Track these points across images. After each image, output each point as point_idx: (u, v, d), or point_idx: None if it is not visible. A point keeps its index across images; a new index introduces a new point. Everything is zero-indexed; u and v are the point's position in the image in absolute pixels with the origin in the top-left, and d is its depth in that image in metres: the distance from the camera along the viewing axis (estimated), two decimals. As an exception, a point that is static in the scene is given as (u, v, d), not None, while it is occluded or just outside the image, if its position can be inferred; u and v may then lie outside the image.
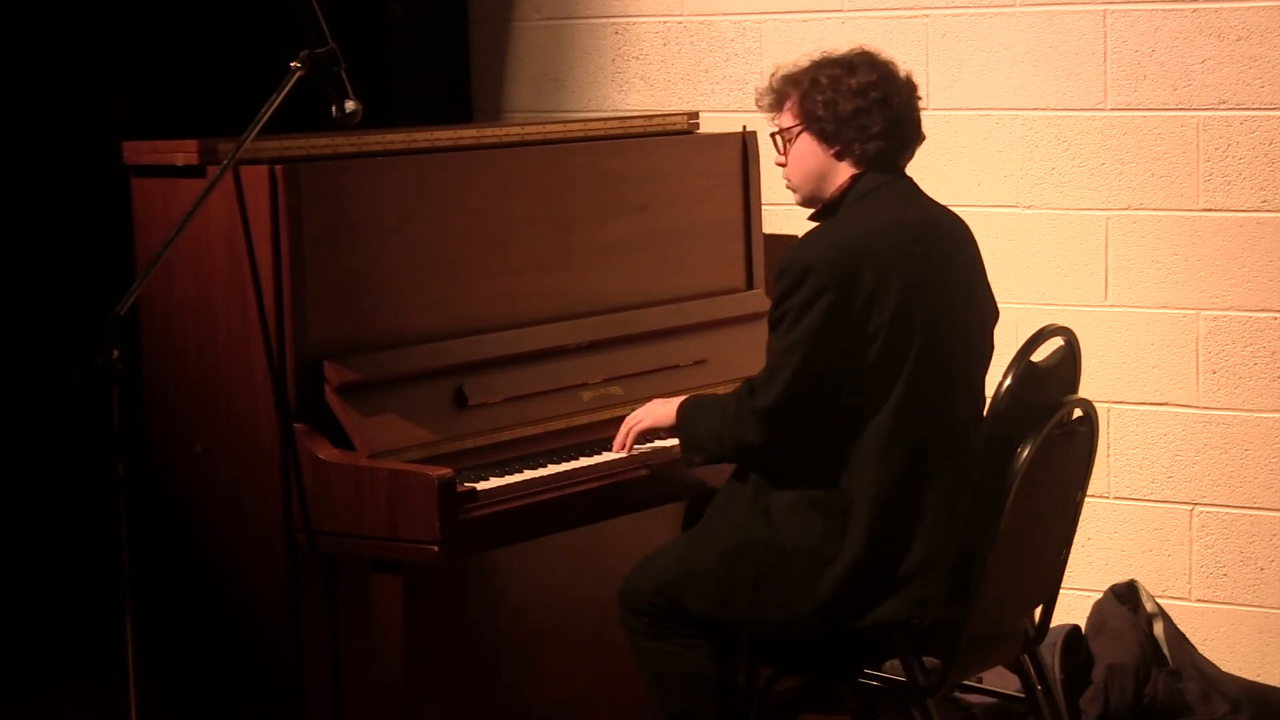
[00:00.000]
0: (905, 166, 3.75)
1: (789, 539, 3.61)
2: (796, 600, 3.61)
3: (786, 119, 3.73)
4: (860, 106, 3.64)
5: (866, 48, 3.75)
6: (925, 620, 3.57)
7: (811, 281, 3.53)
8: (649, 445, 4.02)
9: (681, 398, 3.86)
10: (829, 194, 3.70)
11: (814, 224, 3.71)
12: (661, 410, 3.90)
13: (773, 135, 3.78)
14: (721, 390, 4.30)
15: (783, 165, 3.76)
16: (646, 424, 3.94)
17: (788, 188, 3.77)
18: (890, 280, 3.54)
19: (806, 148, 3.70)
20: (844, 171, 3.68)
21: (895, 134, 3.67)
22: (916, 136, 3.73)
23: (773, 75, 3.77)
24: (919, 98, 3.74)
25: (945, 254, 3.67)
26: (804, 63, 3.74)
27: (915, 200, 3.71)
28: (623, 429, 3.98)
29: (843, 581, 3.57)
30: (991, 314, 3.76)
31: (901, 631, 3.59)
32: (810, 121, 3.68)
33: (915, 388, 3.56)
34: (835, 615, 3.59)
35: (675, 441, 3.92)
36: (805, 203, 3.75)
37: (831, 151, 3.68)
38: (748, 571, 3.65)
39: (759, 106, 3.81)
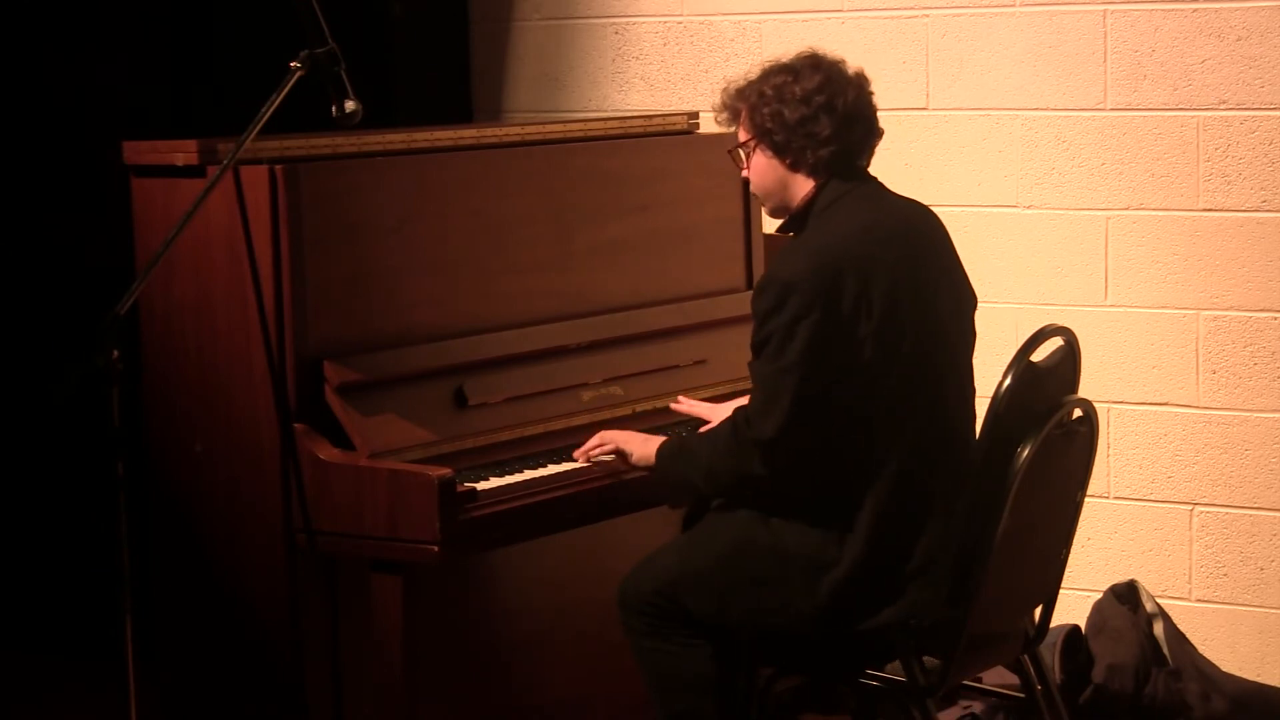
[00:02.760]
0: (868, 165, 3.74)
1: (789, 541, 3.61)
2: (795, 603, 3.60)
3: (741, 133, 3.73)
4: (806, 114, 3.62)
5: (814, 49, 3.72)
6: (925, 620, 3.57)
7: (795, 301, 3.51)
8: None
9: (660, 439, 3.81)
10: (794, 204, 3.69)
11: (783, 235, 3.71)
12: (640, 448, 3.83)
13: (729, 151, 3.78)
14: (720, 390, 4.32)
15: (747, 178, 3.76)
16: (621, 447, 3.87)
17: (756, 199, 3.78)
18: (872, 285, 3.54)
19: (763, 161, 3.70)
20: (803, 182, 3.67)
21: (845, 136, 3.64)
22: (872, 134, 3.70)
23: (724, 90, 3.76)
24: (871, 93, 3.70)
25: (920, 249, 3.66)
26: (754, 73, 3.73)
27: (882, 201, 3.70)
28: (596, 439, 3.93)
29: (843, 586, 3.57)
30: (970, 301, 3.76)
31: (901, 632, 3.59)
32: (761, 134, 3.68)
33: (907, 387, 3.56)
34: (834, 619, 3.59)
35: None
36: (774, 213, 3.75)
37: (786, 162, 3.67)
38: (747, 573, 3.65)
39: (718, 123, 3.81)
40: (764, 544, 3.63)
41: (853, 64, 3.72)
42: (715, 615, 3.69)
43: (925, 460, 3.58)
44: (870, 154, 3.73)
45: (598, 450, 3.91)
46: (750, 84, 3.71)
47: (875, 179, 3.73)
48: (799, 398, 3.52)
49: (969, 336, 3.75)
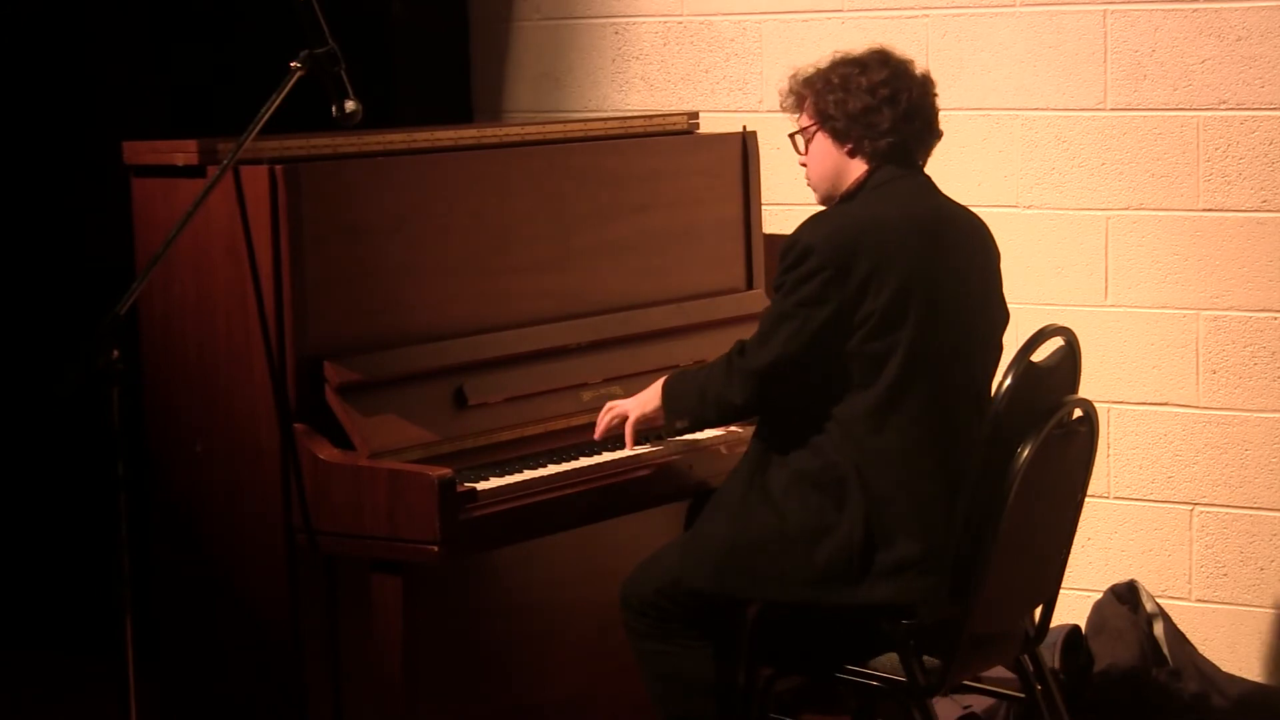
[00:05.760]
0: (924, 164, 3.78)
1: (789, 515, 3.63)
2: (791, 569, 3.62)
3: (804, 119, 3.80)
4: (869, 105, 3.69)
5: (884, 46, 3.79)
6: (926, 619, 3.57)
7: (810, 262, 3.60)
8: (647, 447, 4.02)
9: (661, 380, 3.93)
10: (845, 190, 3.73)
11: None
12: (645, 395, 3.95)
13: (791, 136, 3.82)
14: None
15: (804, 165, 3.81)
16: (635, 415, 3.96)
17: (809, 186, 3.81)
18: (887, 270, 3.57)
19: (822, 146, 3.76)
20: (858, 167, 3.73)
21: (904, 130, 3.70)
22: (931, 133, 3.77)
23: (792, 77, 3.83)
24: (935, 94, 3.77)
25: (952, 249, 3.69)
26: (822, 63, 3.80)
27: (929, 196, 3.74)
28: (609, 416, 4.00)
29: (839, 553, 3.59)
30: (1001, 316, 3.78)
31: (901, 615, 3.58)
32: (823, 120, 3.74)
33: (909, 373, 3.58)
34: (829, 586, 3.60)
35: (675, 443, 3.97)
36: (824, 202, 3.80)
37: (845, 149, 3.73)
38: (746, 543, 3.67)
39: (782, 108, 3.86)
40: (765, 519, 3.66)
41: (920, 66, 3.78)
42: (713, 586, 3.70)
43: (925, 448, 3.60)
44: (927, 153, 3.79)
45: (611, 418, 3.98)
46: (818, 72, 3.78)
47: (928, 176, 3.76)
48: (789, 342, 3.61)
49: (991, 349, 3.76)
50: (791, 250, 3.63)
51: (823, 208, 3.79)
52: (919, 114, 3.73)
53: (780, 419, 3.70)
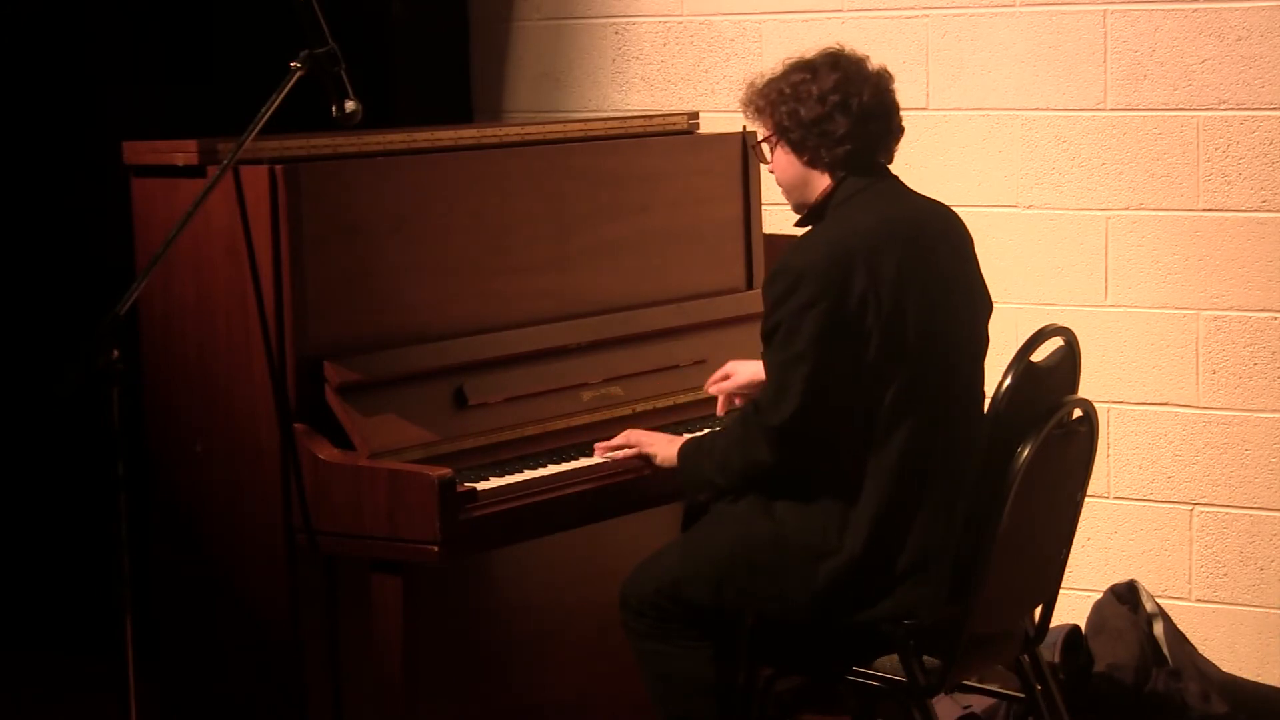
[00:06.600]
0: (889, 161, 3.75)
1: (790, 531, 3.62)
2: (791, 589, 3.61)
3: (762, 130, 3.77)
4: (820, 114, 3.65)
5: (835, 46, 3.74)
6: (925, 620, 3.57)
7: (804, 289, 3.53)
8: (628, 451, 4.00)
9: (683, 439, 3.84)
10: (813, 199, 3.71)
11: (801, 230, 3.73)
12: (665, 449, 3.87)
13: (754, 146, 3.82)
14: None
15: (773, 173, 3.79)
16: (645, 451, 3.91)
17: (782, 194, 3.80)
18: (881, 278, 3.55)
19: (784, 157, 3.73)
20: (820, 178, 3.69)
21: (861, 134, 3.66)
22: (889, 131, 3.71)
23: (749, 85, 3.79)
24: (892, 90, 3.72)
25: (933, 248, 3.67)
26: (777, 69, 3.76)
27: (899, 198, 3.72)
28: (621, 439, 3.96)
29: (841, 575, 3.58)
30: (985, 305, 3.77)
31: (894, 626, 3.58)
32: (780, 132, 3.71)
33: (911, 383, 3.57)
34: (830, 608, 3.60)
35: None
36: (796, 209, 3.77)
37: (803, 160, 3.69)
38: (746, 557, 3.66)
39: (746, 117, 3.83)
40: (765, 533, 3.65)
41: (876, 61, 3.74)
42: (711, 599, 3.70)
43: (926, 457, 3.59)
44: (890, 151, 3.74)
45: (622, 453, 3.94)
46: (771, 81, 3.74)
47: (894, 176, 3.74)
48: (809, 386, 3.54)
49: (980, 340, 3.75)
50: (778, 280, 3.57)
51: (777, 221, 3.77)
52: (874, 116, 3.67)
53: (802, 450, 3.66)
